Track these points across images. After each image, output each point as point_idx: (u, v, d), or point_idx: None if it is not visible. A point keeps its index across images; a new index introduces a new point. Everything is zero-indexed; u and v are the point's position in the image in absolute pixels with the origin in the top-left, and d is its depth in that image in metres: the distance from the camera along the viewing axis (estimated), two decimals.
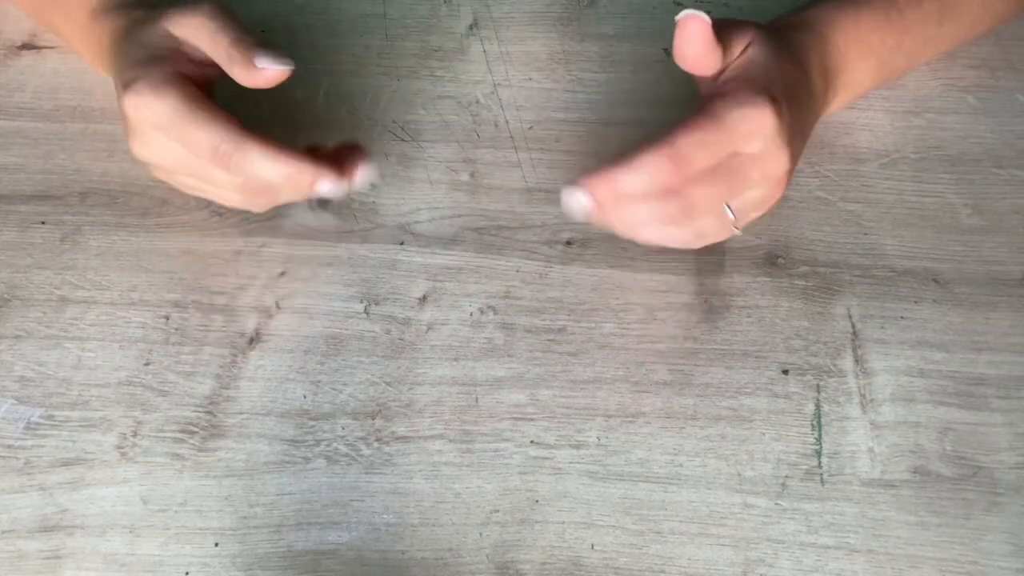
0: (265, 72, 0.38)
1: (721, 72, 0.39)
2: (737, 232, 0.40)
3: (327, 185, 0.39)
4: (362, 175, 0.40)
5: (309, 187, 0.39)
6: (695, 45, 0.37)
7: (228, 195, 0.41)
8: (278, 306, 0.43)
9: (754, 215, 0.41)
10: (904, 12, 0.44)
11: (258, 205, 0.42)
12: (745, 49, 0.39)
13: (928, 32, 0.45)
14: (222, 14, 0.39)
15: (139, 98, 0.38)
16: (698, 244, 0.41)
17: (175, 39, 0.39)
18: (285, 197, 0.42)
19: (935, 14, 0.45)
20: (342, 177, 0.39)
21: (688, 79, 0.49)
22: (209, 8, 0.39)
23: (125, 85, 0.38)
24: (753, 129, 0.36)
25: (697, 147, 0.36)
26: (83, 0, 0.43)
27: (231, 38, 0.38)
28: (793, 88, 0.39)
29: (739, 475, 0.40)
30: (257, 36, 0.39)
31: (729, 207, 0.39)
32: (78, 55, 0.48)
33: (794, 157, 0.39)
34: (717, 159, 0.37)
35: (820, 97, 0.43)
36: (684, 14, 0.36)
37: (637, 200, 0.37)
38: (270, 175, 0.38)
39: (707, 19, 0.36)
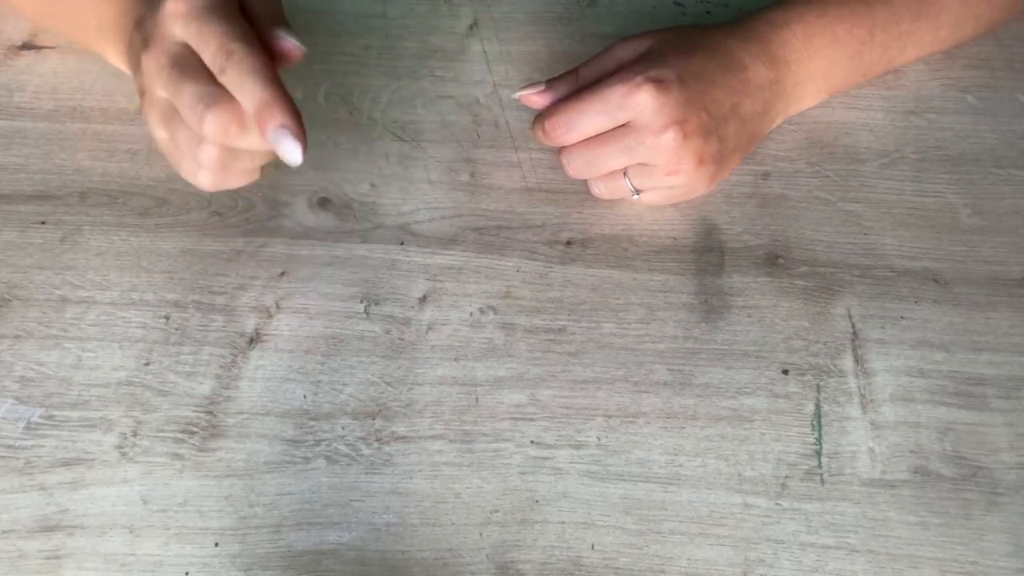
0: (283, 44, 0.38)
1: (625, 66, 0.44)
2: (636, 197, 0.45)
3: (287, 136, 0.36)
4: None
5: (265, 134, 0.36)
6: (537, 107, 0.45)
7: (197, 148, 0.39)
8: (278, 306, 0.43)
9: (667, 191, 0.44)
10: (873, 6, 0.45)
11: (214, 163, 0.39)
12: (649, 47, 0.44)
13: (903, 28, 0.46)
14: None
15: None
16: (607, 197, 0.46)
17: None
18: (245, 144, 0.38)
19: (909, 11, 0.46)
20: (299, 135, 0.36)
21: None
22: None
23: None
24: (630, 103, 0.41)
25: (579, 118, 0.42)
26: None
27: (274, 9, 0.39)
28: (701, 72, 0.42)
29: (739, 475, 0.40)
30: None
31: (627, 175, 0.44)
32: (83, 37, 0.46)
33: (694, 134, 0.42)
34: (603, 129, 0.42)
35: (770, 84, 0.44)
36: (518, 94, 0.45)
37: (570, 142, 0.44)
38: (251, 93, 0.36)
39: (534, 93, 0.45)
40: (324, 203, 0.46)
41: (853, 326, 0.43)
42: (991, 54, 0.51)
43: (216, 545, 0.38)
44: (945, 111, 0.49)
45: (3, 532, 0.38)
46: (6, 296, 0.43)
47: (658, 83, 0.41)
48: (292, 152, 0.35)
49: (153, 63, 0.37)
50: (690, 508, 0.39)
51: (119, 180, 0.46)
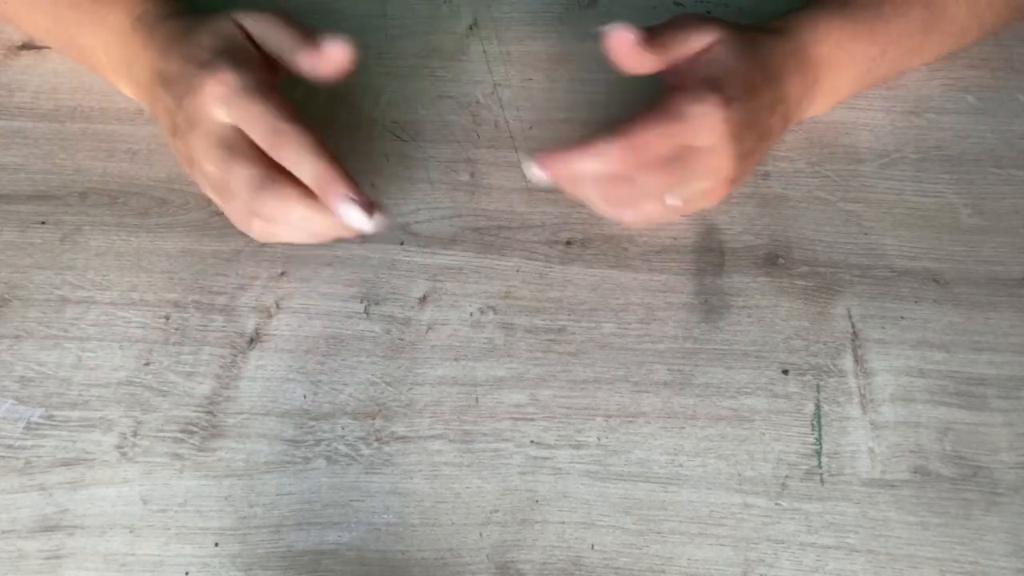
0: (331, 53, 0.39)
1: (682, 65, 0.41)
2: (681, 218, 0.44)
3: (351, 207, 0.37)
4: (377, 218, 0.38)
5: (335, 197, 0.37)
6: (618, 57, 0.41)
7: (242, 212, 0.40)
8: (278, 306, 0.43)
9: (701, 206, 0.43)
10: (889, 22, 0.44)
11: (263, 228, 0.41)
12: (710, 48, 0.41)
13: (914, 42, 0.45)
14: (288, 15, 0.41)
15: (218, 73, 0.38)
16: (641, 226, 0.45)
17: (244, 31, 0.40)
18: (295, 220, 0.39)
19: (921, 24, 0.45)
20: (372, 209, 0.37)
21: None
22: (276, 10, 0.41)
23: (202, 65, 0.38)
24: (703, 125, 0.39)
25: (651, 139, 0.39)
26: (125, 8, 0.43)
27: (298, 30, 0.40)
28: (755, 91, 0.40)
29: (739, 475, 0.40)
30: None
31: (673, 195, 0.41)
32: (93, 66, 0.47)
33: (744, 156, 0.40)
34: (668, 151, 0.39)
35: (794, 102, 0.43)
36: (607, 28, 0.40)
37: (589, 180, 0.41)
38: (310, 169, 0.37)
39: (626, 36, 0.40)
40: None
41: (853, 326, 0.43)
42: (991, 54, 0.51)
43: (216, 545, 0.38)
44: (945, 111, 0.49)
45: (3, 532, 0.38)
46: (6, 296, 0.43)
47: (728, 105, 0.39)
48: (358, 219, 0.37)
49: (201, 143, 0.39)
50: (690, 508, 0.39)
51: (119, 180, 0.46)
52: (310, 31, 0.40)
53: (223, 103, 0.38)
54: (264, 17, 0.41)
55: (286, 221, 0.39)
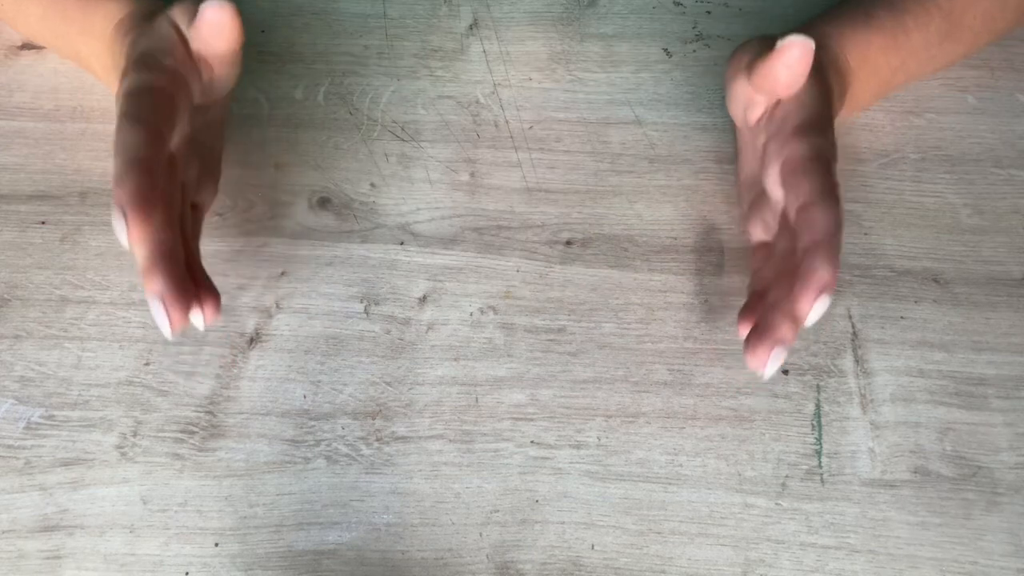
0: (203, 14, 0.37)
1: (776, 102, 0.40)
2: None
3: (152, 305, 0.35)
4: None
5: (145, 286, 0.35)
6: (793, 72, 0.37)
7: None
8: (278, 306, 0.43)
9: None
10: (911, 34, 0.44)
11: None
12: (806, 113, 0.39)
13: (931, 52, 0.45)
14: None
15: (134, 74, 0.37)
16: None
17: (175, 26, 0.40)
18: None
19: (939, 36, 0.45)
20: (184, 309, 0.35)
21: (687, 81, 0.49)
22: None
23: (125, 65, 0.38)
24: (825, 187, 0.37)
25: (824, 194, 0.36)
26: (108, 15, 0.43)
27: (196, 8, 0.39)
28: (832, 111, 0.40)
29: (739, 475, 0.40)
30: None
31: None
32: (92, 72, 0.47)
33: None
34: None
35: (836, 112, 0.43)
36: (792, 39, 0.36)
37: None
38: (114, 165, 0.35)
39: (812, 45, 0.36)
40: (324, 203, 0.46)
41: (853, 326, 0.43)
42: (991, 54, 0.51)
43: (216, 545, 0.38)
44: (945, 111, 0.49)
45: (3, 532, 0.38)
46: (6, 296, 0.43)
47: (831, 167, 0.37)
48: (118, 229, 0.34)
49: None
50: (690, 508, 0.39)
51: None
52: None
53: (116, 102, 0.37)
54: (186, 6, 0.39)
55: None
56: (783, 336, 0.35)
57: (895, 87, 0.47)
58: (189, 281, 0.36)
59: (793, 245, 0.36)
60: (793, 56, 0.37)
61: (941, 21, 0.44)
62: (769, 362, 0.35)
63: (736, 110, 0.43)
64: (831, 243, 0.35)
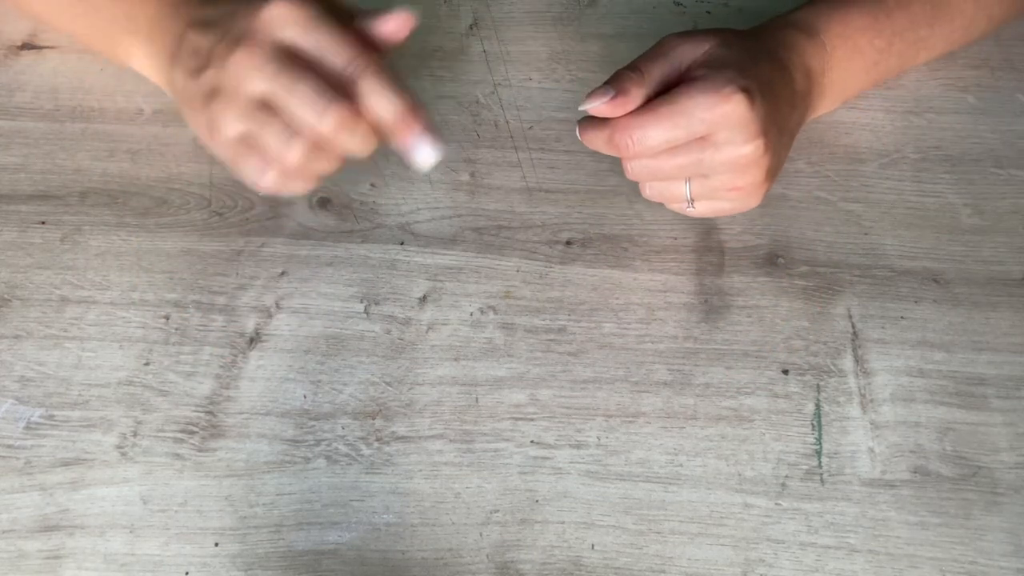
0: (393, 21, 0.38)
1: (685, 75, 0.40)
2: (691, 210, 0.43)
3: (424, 146, 0.37)
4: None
5: (406, 140, 0.37)
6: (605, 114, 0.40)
7: (290, 146, 0.38)
8: (278, 306, 0.43)
9: (722, 204, 0.42)
10: (892, 14, 0.44)
11: (302, 170, 0.39)
12: (710, 51, 0.40)
13: (920, 34, 0.45)
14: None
15: (288, 2, 0.37)
16: (659, 200, 0.43)
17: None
18: (347, 148, 0.38)
19: (925, 16, 0.45)
20: (437, 140, 0.37)
21: None
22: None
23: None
24: (716, 116, 0.38)
25: (656, 132, 0.39)
26: None
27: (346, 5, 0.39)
28: (770, 84, 0.40)
29: (739, 475, 0.40)
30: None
31: (688, 183, 0.41)
32: (111, 37, 0.45)
33: (769, 149, 0.39)
34: (678, 142, 0.39)
35: (804, 95, 0.43)
36: (582, 109, 0.40)
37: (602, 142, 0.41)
38: (390, 101, 0.36)
39: (602, 98, 0.39)
40: (324, 203, 0.46)
41: (853, 326, 0.43)
42: (991, 54, 0.51)
43: (216, 545, 0.38)
44: (945, 111, 0.49)
45: (3, 532, 0.38)
46: (6, 296, 0.43)
47: (747, 94, 0.38)
48: (429, 155, 0.37)
49: (252, 59, 0.36)
50: (690, 508, 0.39)
51: (119, 180, 0.46)
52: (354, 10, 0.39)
53: (296, 26, 0.36)
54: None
55: (331, 149, 0.38)
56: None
57: (889, 70, 0.47)
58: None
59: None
60: (595, 111, 0.40)
61: (924, 2, 0.44)
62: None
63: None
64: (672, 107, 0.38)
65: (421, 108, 0.37)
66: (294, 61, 0.36)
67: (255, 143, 0.38)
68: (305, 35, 0.36)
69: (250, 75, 0.37)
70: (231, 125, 0.38)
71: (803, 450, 0.40)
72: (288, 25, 0.36)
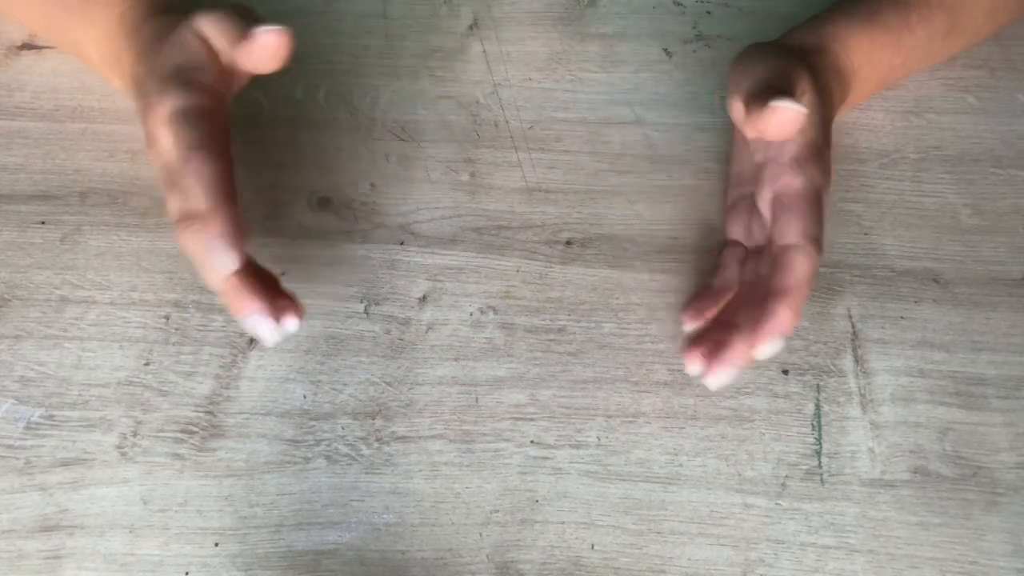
0: (258, 37, 0.37)
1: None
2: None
3: (253, 319, 0.37)
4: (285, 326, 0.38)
5: (236, 308, 0.37)
6: (781, 133, 0.37)
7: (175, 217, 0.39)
8: None
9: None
10: (915, 30, 0.44)
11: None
12: (795, 152, 0.39)
13: (934, 47, 0.45)
14: (245, 10, 0.39)
15: (168, 95, 0.37)
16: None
17: (203, 39, 0.39)
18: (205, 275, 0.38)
19: (942, 31, 0.45)
20: (265, 313, 0.37)
21: (687, 81, 0.49)
22: (235, 6, 0.39)
23: (160, 82, 0.38)
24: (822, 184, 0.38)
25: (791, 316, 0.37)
26: (110, 5, 0.42)
27: (239, 24, 0.38)
28: (829, 125, 0.41)
29: (739, 475, 0.40)
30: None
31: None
32: (87, 63, 0.47)
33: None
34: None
35: (836, 112, 0.43)
36: (782, 105, 0.36)
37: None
38: (195, 201, 0.36)
39: (803, 113, 0.37)
40: (324, 203, 0.46)
41: (853, 326, 0.43)
42: (991, 54, 0.51)
43: (216, 545, 0.38)
44: (945, 111, 0.49)
45: (3, 532, 0.38)
46: (6, 296, 0.43)
47: (826, 154, 0.39)
48: (223, 260, 0.36)
49: (153, 159, 0.38)
50: (690, 508, 0.39)
51: (119, 180, 0.46)
52: (250, 24, 0.39)
53: (164, 125, 0.37)
54: (215, 18, 0.39)
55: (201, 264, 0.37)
56: (735, 359, 0.37)
57: (893, 81, 0.47)
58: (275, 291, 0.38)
59: (767, 273, 0.38)
60: (784, 118, 0.37)
61: (945, 18, 0.44)
62: (717, 377, 0.37)
63: (736, 116, 0.43)
64: (799, 291, 0.36)
65: (222, 212, 0.36)
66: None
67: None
68: (169, 135, 0.37)
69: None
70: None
71: (803, 450, 0.40)
72: (162, 127, 0.37)
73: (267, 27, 0.38)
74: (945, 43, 0.46)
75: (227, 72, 0.40)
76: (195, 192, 0.36)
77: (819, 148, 0.39)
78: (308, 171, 0.47)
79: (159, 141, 0.38)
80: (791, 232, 0.37)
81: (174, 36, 0.40)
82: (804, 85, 0.39)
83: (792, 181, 0.38)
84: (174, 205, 0.37)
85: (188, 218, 0.36)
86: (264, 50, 0.38)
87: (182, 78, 0.38)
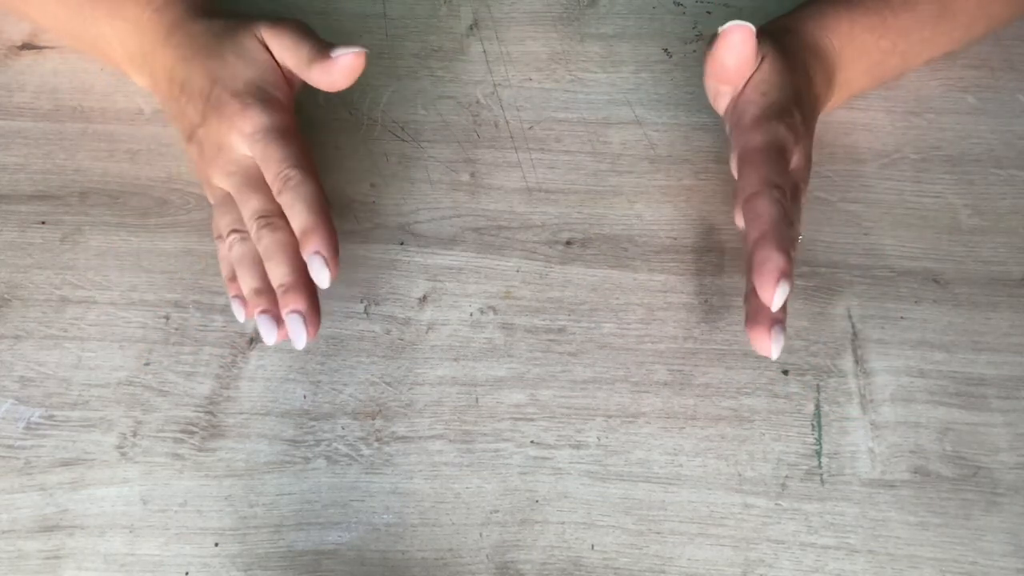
0: (340, 60, 0.40)
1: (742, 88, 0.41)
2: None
3: (315, 264, 0.39)
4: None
5: (305, 252, 0.39)
6: (737, 56, 0.39)
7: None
8: None
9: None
10: (898, 13, 0.44)
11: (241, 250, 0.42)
12: (760, 63, 0.40)
13: (924, 34, 0.45)
14: (306, 27, 0.43)
15: (250, 112, 0.40)
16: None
17: (267, 49, 0.42)
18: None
19: (931, 16, 0.45)
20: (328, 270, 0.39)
21: (687, 81, 0.49)
22: (296, 21, 0.43)
23: (235, 95, 0.40)
24: (789, 145, 0.39)
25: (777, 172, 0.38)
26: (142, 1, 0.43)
27: (313, 42, 0.41)
28: (801, 97, 0.41)
29: (739, 475, 0.40)
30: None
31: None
32: (107, 58, 0.47)
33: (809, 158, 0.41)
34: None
35: (822, 99, 0.44)
36: (731, 24, 0.38)
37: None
38: (299, 218, 0.39)
39: (753, 29, 0.38)
40: None
41: (853, 326, 0.43)
42: (991, 54, 0.51)
43: (216, 545, 0.38)
44: (945, 111, 0.49)
45: (3, 532, 0.38)
46: (6, 296, 0.43)
47: (792, 119, 0.39)
48: (321, 277, 0.39)
49: (225, 167, 0.41)
50: (690, 508, 0.39)
51: (119, 180, 0.46)
52: (322, 42, 0.42)
53: (249, 140, 0.40)
54: (283, 32, 0.42)
55: (268, 257, 0.40)
56: (769, 321, 0.37)
57: (892, 71, 0.47)
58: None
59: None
60: (735, 40, 0.38)
61: (930, 2, 0.44)
62: (772, 344, 0.37)
63: (714, 103, 0.44)
64: (776, 232, 0.36)
65: (323, 229, 0.39)
66: (255, 176, 0.41)
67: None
68: (252, 148, 0.40)
69: (219, 181, 0.42)
70: (208, 194, 0.43)
71: (803, 450, 0.40)
72: (244, 140, 0.40)
73: (347, 50, 0.41)
74: (937, 30, 0.46)
75: (291, 85, 0.43)
76: (298, 208, 0.39)
77: (782, 109, 0.39)
78: None
79: (236, 151, 0.40)
80: (751, 183, 0.38)
81: (237, 46, 0.41)
82: (764, 48, 0.40)
83: (753, 137, 0.39)
84: (248, 209, 0.40)
85: (268, 222, 0.40)
86: (344, 70, 0.41)
87: (262, 96, 0.41)
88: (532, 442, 0.41)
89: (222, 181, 0.41)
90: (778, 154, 0.38)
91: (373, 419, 0.41)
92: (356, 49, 0.41)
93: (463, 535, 0.39)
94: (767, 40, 0.41)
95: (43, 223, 0.45)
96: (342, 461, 0.40)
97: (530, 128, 0.48)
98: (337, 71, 0.41)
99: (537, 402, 0.41)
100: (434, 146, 0.48)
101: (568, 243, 0.45)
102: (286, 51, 0.42)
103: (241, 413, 0.41)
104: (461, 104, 0.49)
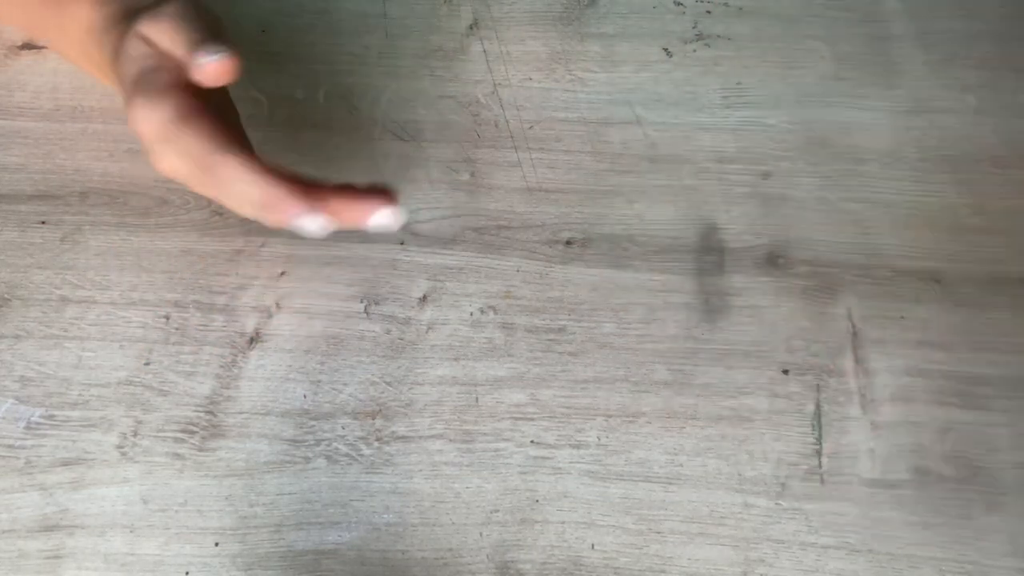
0: (207, 67, 0.36)
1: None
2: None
3: (305, 219, 0.37)
4: (370, 218, 0.37)
5: (287, 215, 0.36)
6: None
7: (242, 207, 0.39)
8: (278, 306, 0.43)
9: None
10: None
11: (271, 221, 0.39)
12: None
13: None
14: (184, 13, 0.38)
15: (138, 112, 0.37)
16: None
17: (151, 43, 0.38)
18: (272, 221, 0.38)
19: None
20: (318, 212, 0.37)
21: (687, 81, 0.49)
22: (172, 7, 0.38)
23: (125, 102, 0.37)
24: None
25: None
26: (76, 19, 0.42)
27: (187, 38, 0.37)
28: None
29: (739, 475, 0.40)
30: (213, 31, 0.38)
31: None
32: (85, 69, 0.47)
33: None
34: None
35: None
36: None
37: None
38: (247, 193, 0.36)
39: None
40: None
41: (853, 326, 0.43)
42: (991, 54, 0.51)
43: (216, 545, 0.38)
44: (945, 111, 0.49)
45: (3, 532, 0.38)
46: (6, 296, 0.43)
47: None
48: (316, 227, 0.37)
49: (155, 165, 0.38)
50: (690, 508, 0.39)
51: (119, 180, 0.46)
52: (197, 35, 0.37)
53: (156, 141, 0.37)
54: (163, 24, 0.38)
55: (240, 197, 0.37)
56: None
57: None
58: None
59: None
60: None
61: None
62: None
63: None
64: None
65: (286, 192, 0.36)
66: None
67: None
68: (169, 147, 0.37)
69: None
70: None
71: (803, 450, 0.40)
72: (153, 143, 0.37)
73: (211, 56, 0.36)
74: None
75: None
76: (245, 185, 0.36)
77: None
78: (308, 171, 0.46)
79: (166, 158, 0.37)
80: (180, 41, 0.37)
81: (123, 47, 0.38)
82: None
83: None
84: (249, 203, 0.37)
85: (263, 208, 0.37)
86: (211, 75, 0.37)
87: (145, 88, 0.37)
88: (532, 442, 0.41)
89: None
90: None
91: (373, 419, 0.41)
92: (222, 55, 0.36)
93: (463, 535, 0.39)
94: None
95: (43, 223, 0.45)
96: (342, 461, 0.40)
97: (530, 128, 0.48)
98: (204, 76, 0.37)
99: (537, 402, 0.41)
100: (434, 146, 0.48)
101: (568, 243, 0.45)
102: (166, 42, 0.38)
103: (241, 413, 0.41)
104: (461, 104, 0.49)
